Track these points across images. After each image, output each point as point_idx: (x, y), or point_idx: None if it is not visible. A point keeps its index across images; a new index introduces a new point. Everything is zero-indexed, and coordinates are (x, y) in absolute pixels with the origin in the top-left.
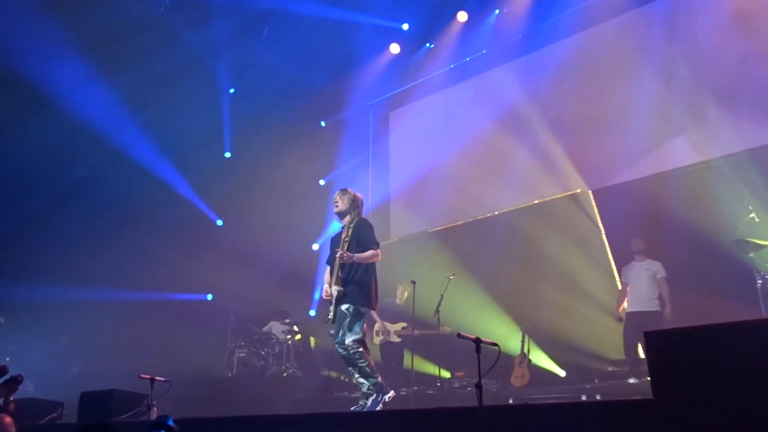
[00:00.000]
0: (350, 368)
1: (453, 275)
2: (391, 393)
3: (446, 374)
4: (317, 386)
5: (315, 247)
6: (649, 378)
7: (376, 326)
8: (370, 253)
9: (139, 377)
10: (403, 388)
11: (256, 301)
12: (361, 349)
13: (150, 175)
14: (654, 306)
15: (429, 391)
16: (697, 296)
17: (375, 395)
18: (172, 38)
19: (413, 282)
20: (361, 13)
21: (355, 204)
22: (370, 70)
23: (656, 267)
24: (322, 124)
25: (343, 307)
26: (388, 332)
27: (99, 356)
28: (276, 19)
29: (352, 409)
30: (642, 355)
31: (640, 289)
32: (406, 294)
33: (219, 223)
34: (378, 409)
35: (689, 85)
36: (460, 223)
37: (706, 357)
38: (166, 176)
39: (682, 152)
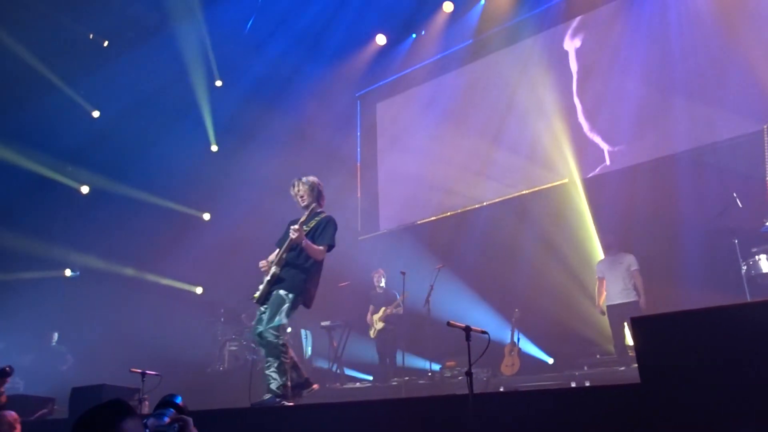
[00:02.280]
0: (270, 358)
1: (442, 266)
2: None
3: (437, 365)
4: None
5: None
6: (634, 366)
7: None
8: (317, 247)
9: (130, 371)
10: (395, 379)
11: (245, 294)
12: (285, 342)
13: (136, 169)
14: (631, 297)
15: (420, 381)
16: (683, 283)
17: (278, 398)
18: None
19: (403, 273)
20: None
21: (317, 190)
22: (356, 61)
23: (629, 260)
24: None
25: (281, 291)
26: (374, 323)
27: (89, 351)
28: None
29: (251, 404)
30: (629, 343)
31: (616, 282)
32: (383, 280)
33: (206, 217)
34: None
35: (675, 73)
36: (449, 214)
37: (692, 341)
38: (153, 171)
39: (669, 141)
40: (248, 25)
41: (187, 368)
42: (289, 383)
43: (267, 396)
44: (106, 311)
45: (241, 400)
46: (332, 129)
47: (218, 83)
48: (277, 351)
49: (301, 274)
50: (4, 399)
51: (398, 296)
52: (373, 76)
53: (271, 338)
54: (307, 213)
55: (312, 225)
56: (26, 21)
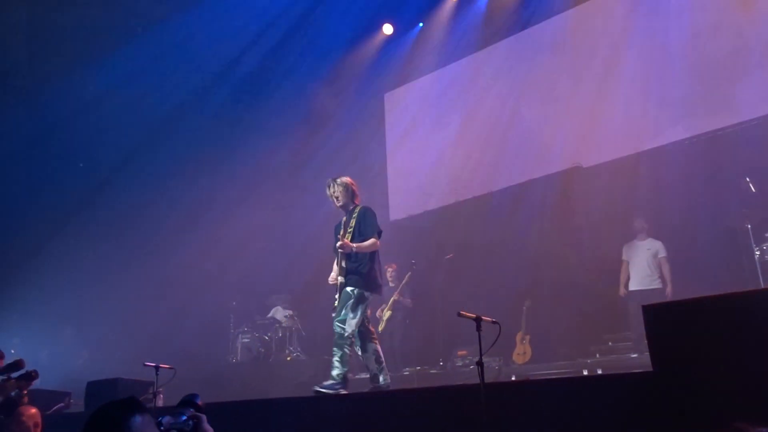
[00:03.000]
0: (335, 348)
1: (451, 255)
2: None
3: (448, 354)
4: (321, 369)
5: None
6: (647, 353)
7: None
8: (369, 242)
9: (144, 365)
10: (406, 369)
11: (258, 286)
12: (353, 337)
13: (142, 161)
14: (655, 284)
15: (432, 371)
16: (696, 269)
17: (337, 384)
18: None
19: (413, 262)
20: None
21: (350, 190)
22: (363, 51)
23: (657, 246)
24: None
25: (348, 288)
26: (383, 316)
27: (103, 346)
28: None
29: (315, 388)
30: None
31: (642, 267)
32: (393, 272)
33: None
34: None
35: (684, 55)
36: (458, 202)
37: (703, 328)
38: (159, 162)
39: (677, 126)
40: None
41: (200, 361)
42: (349, 374)
43: (328, 382)
44: (119, 305)
45: (253, 392)
46: (340, 120)
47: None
48: (341, 342)
49: (360, 268)
50: (26, 400)
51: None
52: (380, 66)
53: (337, 329)
54: (348, 215)
55: (353, 224)
56: None
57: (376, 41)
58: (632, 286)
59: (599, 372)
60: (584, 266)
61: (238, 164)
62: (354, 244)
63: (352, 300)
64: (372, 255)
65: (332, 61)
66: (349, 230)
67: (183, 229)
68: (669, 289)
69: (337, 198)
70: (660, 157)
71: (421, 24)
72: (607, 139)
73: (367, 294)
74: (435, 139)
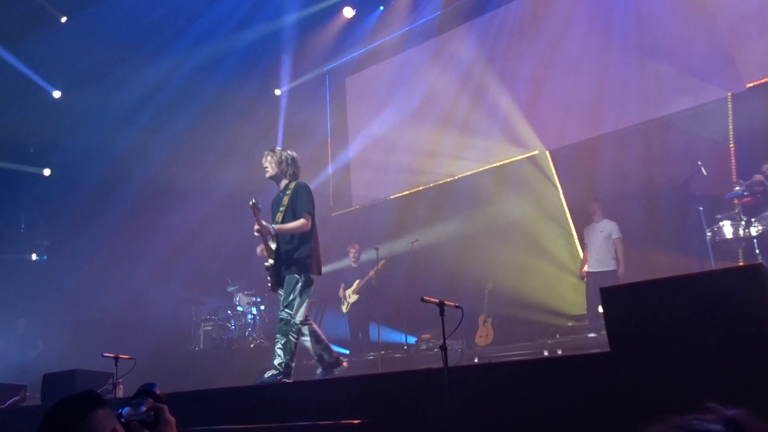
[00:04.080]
0: (279, 335)
1: (415, 240)
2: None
3: (412, 337)
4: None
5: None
6: (604, 332)
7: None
8: (295, 224)
9: (103, 356)
10: (371, 353)
11: (218, 273)
12: (297, 323)
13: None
14: (611, 265)
15: (396, 355)
16: (652, 251)
17: (279, 374)
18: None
19: (377, 248)
20: None
21: (287, 163)
22: (324, 35)
23: (610, 227)
24: (277, 92)
25: (294, 274)
26: (347, 297)
27: (59, 337)
28: None
29: (256, 381)
30: (601, 311)
31: (597, 249)
32: (356, 253)
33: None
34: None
35: (641, 42)
36: (421, 188)
37: (659, 310)
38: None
39: (635, 110)
40: None
41: (161, 350)
42: (293, 363)
43: (269, 373)
44: (76, 295)
45: (217, 380)
46: (301, 105)
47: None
48: (286, 329)
49: (299, 252)
50: None
51: (371, 272)
52: (341, 51)
53: (284, 316)
54: (282, 192)
55: (285, 201)
56: None
57: (337, 24)
58: (590, 268)
59: (559, 353)
60: (544, 250)
61: (197, 150)
62: (275, 227)
63: (300, 284)
64: (302, 237)
65: (290, 46)
66: (281, 208)
67: (143, 216)
68: (621, 269)
69: (266, 169)
70: (616, 140)
71: (381, 7)
72: (565, 124)
73: (313, 278)
74: (398, 122)
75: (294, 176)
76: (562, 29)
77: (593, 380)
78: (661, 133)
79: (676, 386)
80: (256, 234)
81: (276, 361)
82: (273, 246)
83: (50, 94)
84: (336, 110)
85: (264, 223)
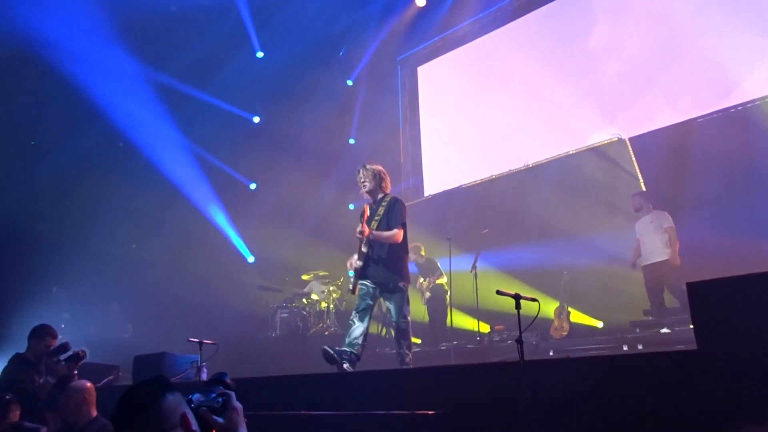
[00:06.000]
0: (402, 340)
1: (486, 231)
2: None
3: (486, 328)
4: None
5: (351, 207)
6: (679, 328)
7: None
8: (388, 233)
9: (188, 341)
10: (443, 344)
11: (295, 262)
12: (409, 321)
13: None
14: (664, 255)
15: (469, 346)
16: (739, 239)
17: (410, 365)
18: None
19: (449, 239)
20: None
21: (380, 177)
22: (396, 24)
23: (662, 218)
24: (349, 83)
25: (400, 284)
26: (423, 290)
27: (148, 321)
28: None
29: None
30: (668, 305)
31: (650, 241)
32: (421, 251)
33: (252, 186)
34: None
35: (727, 20)
36: (495, 177)
37: (749, 306)
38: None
39: (718, 95)
40: None
41: (241, 335)
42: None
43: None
44: (161, 282)
45: (293, 366)
46: (374, 95)
47: (259, 54)
48: (406, 333)
49: (399, 262)
50: (75, 377)
51: (439, 265)
52: (413, 40)
53: (403, 326)
54: (377, 203)
55: (381, 212)
56: None
57: (410, 12)
58: (645, 261)
59: (640, 348)
60: (622, 241)
61: (278, 144)
62: (373, 232)
63: (406, 295)
64: (405, 246)
65: (364, 36)
66: (376, 218)
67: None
68: (672, 253)
69: (364, 184)
70: (697, 127)
71: None
72: (646, 110)
73: (401, 285)
74: (471, 111)
75: (385, 188)
76: (644, 11)
77: (678, 379)
78: (747, 119)
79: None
80: (357, 236)
81: (407, 359)
82: (364, 250)
83: None
84: (408, 100)
85: (367, 227)
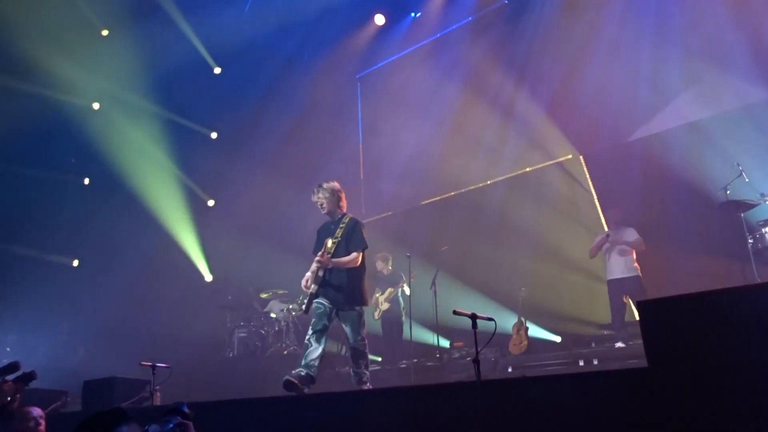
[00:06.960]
0: (360, 360)
1: (445, 248)
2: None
3: (445, 344)
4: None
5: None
6: (633, 342)
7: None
8: (348, 258)
9: (140, 364)
10: (403, 361)
11: (254, 281)
12: (366, 342)
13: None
14: (632, 272)
15: (429, 363)
16: (690, 257)
17: (367, 383)
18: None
19: (408, 255)
20: None
21: (338, 196)
22: (356, 42)
23: (629, 232)
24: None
25: (357, 307)
26: (379, 304)
27: (99, 343)
28: None
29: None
30: (628, 319)
31: (617, 256)
32: (389, 263)
33: (210, 203)
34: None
35: (681, 43)
36: (453, 194)
37: (698, 324)
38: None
39: (673, 113)
40: (246, 8)
41: (197, 356)
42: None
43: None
44: (113, 302)
45: (251, 388)
46: (333, 112)
47: (217, 70)
48: (364, 354)
49: (356, 285)
50: (16, 404)
51: (403, 277)
52: (373, 58)
53: (360, 347)
54: (335, 223)
55: (339, 234)
56: None
57: (368, 31)
58: (610, 276)
59: (595, 362)
60: (575, 257)
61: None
62: (332, 260)
63: (362, 318)
64: (363, 269)
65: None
66: (334, 239)
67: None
68: (638, 273)
69: (322, 205)
70: (653, 144)
71: (413, 14)
72: (598, 128)
73: (358, 309)
74: (430, 129)
75: (343, 207)
76: (596, 31)
77: (630, 396)
78: (700, 138)
79: (718, 405)
80: (315, 262)
81: (364, 378)
82: (320, 275)
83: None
84: (368, 116)
85: (327, 256)
